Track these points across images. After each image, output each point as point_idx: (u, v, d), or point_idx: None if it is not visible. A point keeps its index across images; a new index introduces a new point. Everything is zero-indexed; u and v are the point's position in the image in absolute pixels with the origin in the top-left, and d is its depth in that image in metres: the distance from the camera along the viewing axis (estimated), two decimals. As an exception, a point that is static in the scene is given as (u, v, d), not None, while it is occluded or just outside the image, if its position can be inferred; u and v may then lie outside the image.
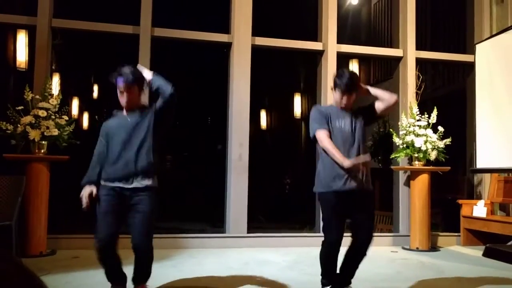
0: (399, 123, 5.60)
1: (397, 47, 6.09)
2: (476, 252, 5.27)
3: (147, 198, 2.90)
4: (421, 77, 5.94)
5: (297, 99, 8.77)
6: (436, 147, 5.33)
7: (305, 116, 8.71)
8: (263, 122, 9.12)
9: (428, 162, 5.41)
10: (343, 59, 6.00)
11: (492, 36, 5.67)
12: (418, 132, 5.35)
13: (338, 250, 3.04)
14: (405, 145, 5.41)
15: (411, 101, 5.74)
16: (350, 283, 3.15)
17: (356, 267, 3.14)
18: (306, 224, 6.42)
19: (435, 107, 5.52)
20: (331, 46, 5.75)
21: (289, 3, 7.78)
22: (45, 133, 4.49)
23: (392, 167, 5.79)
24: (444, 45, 7.58)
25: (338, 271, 3.15)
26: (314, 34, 6.00)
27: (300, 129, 9.02)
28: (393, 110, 4.77)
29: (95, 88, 7.95)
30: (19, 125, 4.46)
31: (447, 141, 5.39)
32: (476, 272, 4.19)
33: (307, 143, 8.60)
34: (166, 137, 3.15)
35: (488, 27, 6.16)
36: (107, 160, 2.95)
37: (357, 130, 3.05)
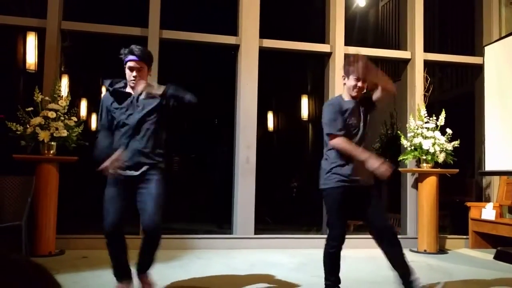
0: (407, 125, 5.58)
1: (405, 49, 6.07)
2: (485, 255, 5.23)
3: (156, 180, 2.91)
4: (429, 79, 5.92)
5: (304, 101, 8.77)
6: (444, 149, 5.30)
7: (313, 118, 8.71)
8: (270, 124, 9.12)
9: (436, 165, 5.39)
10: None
11: (501, 38, 5.64)
12: (426, 134, 5.33)
13: (340, 247, 3.01)
14: (413, 147, 5.39)
15: (419, 103, 5.72)
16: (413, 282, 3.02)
17: (403, 261, 3.04)
18: (313, 226, 6.41)
19: (443, 109, 5.50)
20: (338, 48, 5.75)
21: (297, 5, 7.78)
22: (54, 134, 4.53)
23: (400, 169, 5.76)
24: (452, 47, 7.54)
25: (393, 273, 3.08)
26: (321, 36, 6.00)
27: (307, 131, 9.02)
28: (388, 101, 4.69)
29: (104, 90, 8.00)
30: (28, 126, 4.51)
31: (456, 143, 5.36)
32: (485, 275, 4.16)
33: (314, 145, 8.60)
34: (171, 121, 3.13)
35: (497, 29, 6.12)
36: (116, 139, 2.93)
37: (362, 120, 3.03)
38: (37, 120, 4.53)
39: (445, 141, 5.33)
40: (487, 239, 5.70)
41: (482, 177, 6.11)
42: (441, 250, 5.46)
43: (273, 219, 7.39)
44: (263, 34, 5.62)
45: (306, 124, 8.89)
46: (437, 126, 5.39)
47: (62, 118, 4.64)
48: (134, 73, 2.90)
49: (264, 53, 5.63)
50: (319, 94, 7.13)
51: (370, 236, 3.13)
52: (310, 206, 6.74)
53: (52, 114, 4.57)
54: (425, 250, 5.29)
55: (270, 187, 7.54)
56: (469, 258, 5.12)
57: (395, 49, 6.57)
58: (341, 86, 5.89)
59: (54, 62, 5.09)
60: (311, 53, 5.95)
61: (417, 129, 5.40)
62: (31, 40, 5.48)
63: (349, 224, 6.18)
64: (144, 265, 3.06)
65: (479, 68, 5.92)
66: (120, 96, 2.98)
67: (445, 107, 5.62)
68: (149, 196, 2.88)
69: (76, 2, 5.76)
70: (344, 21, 5.81)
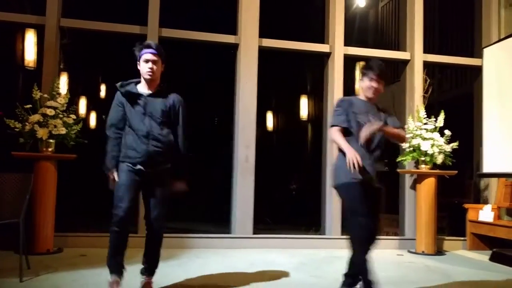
0: (406, 126, 5.58)
1: (405, 50, 6.08)
2: (482, 256, 5.25)
3: (167, 176, 3.06)
4: (428, 80, 5.92)
5: (304, 101, 8.75)
6: (443, 150, 5.31)
7: (312, 118, 8.70)
8: (270, 124, 9.11)
9: (435, 166, 5.39)
10: (350, 61, 6.00)
11: (500, 40, 5.65)
12: (425, 136, 5.33)
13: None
14: (411, 149, 5.39)
15: (418, 105, 5.73)
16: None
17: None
18: (312, 226, 6.41)
19: (442, 110, 5.50)
20: (338, 48, 5.76)
21: (296, 5, 7.78)
22: (53, 132, 4.52)
23: (398, 170, 5.77)
24: (451, 49, 7.55)
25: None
26: (321, 36, 6.00)
27: (306, 131, 9.01)
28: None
29: (103, 87, 7.97)
30: (27, 124, 4.49)
31: (454, 145, 5.37)
32: (482, 277, 4.17)
33: (313, 145, 8.59)
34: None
35: (496, 31, 6.14)
36: (127, 138, 2.99)
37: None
38: (36, 117, 4.52)
39: (444, 142, 5.34)
40: (484, 241, 5.71)
41: (480, 179, 6.12)
42: (439, 251, 5.47)
43: (272, 219, 7.38)
44: (263, 34, 5.62)
45: (305, 124, 8.88)
46: (436, 127, 5.39)
47: (61, 115, 4.62)
48: (150, 64, 3.01)
49: (263, 52, 5.62)
50: (318, 94, 7.11)
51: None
52: (310, 206, 6.73)
53: (50, 112, 4.56)
54: (423, 251, 5.30)
55: (269, 187, 7.53)
56: (467, 260, 5.13)
57: (395, 50, 6.57)
58: (341, 86, 5.92)
59: (53, 59, 5.08)
60: (311, 53, 5.95)
61: (416, 130, 5.40)
62: (30, 37, 5.45)
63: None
64: (152, 264, 3.15)
65: (478, 70, 5.92)
66: (132, 97, 3.04)
67: (444, 108, 5.63)
68: (159, 190, 3.03)
69: (75, 0, 5.74)
70: (343, 21, 5.82)
